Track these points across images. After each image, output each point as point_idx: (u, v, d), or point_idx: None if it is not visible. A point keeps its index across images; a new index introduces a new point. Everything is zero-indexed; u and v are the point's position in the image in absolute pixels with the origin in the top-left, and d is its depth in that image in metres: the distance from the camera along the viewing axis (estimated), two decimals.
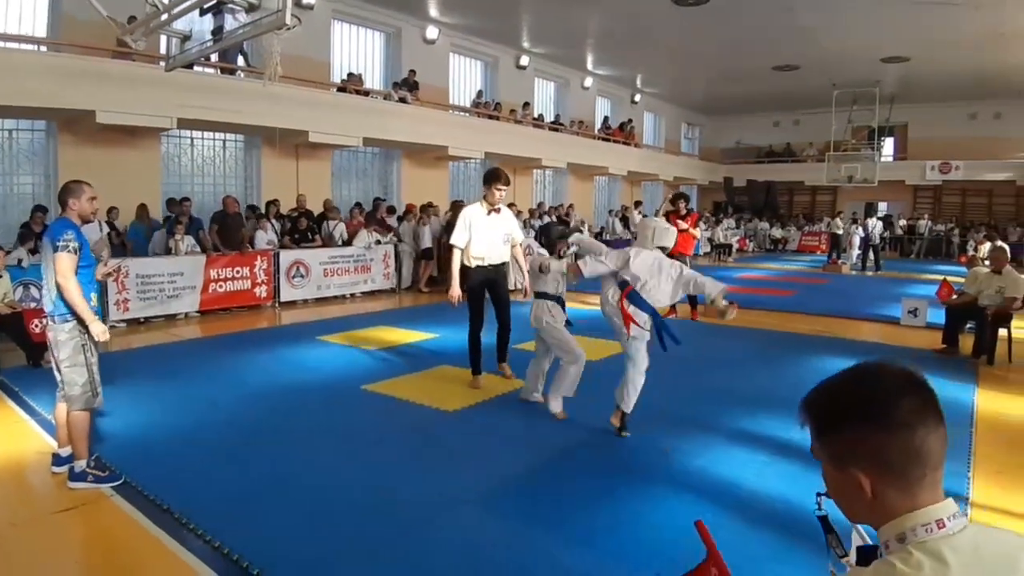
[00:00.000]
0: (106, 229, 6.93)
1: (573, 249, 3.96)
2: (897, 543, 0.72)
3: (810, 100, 17.07)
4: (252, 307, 7.68)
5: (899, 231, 18.16)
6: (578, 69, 15.71)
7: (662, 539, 2.41)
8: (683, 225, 7.03)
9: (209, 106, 7.88)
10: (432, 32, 11.85)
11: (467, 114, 12.71)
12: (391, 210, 10.53)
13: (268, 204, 8.84)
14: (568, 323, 3.82)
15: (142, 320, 6.73)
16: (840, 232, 14.38)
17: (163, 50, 7.49)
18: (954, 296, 6.09)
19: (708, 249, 15.88)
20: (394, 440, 3.47)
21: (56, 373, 2.88)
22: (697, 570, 1.08)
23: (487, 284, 4.30)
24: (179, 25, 4.47)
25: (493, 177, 4.21)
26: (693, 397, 4.25)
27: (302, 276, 8.20)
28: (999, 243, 7.75)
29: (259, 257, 7.74)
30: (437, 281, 9.77)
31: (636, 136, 17.47)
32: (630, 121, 17.31)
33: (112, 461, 2.96)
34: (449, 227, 9.41)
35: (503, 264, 4.38)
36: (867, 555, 0.86)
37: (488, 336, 4.43)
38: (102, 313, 5.50)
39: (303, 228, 8.69)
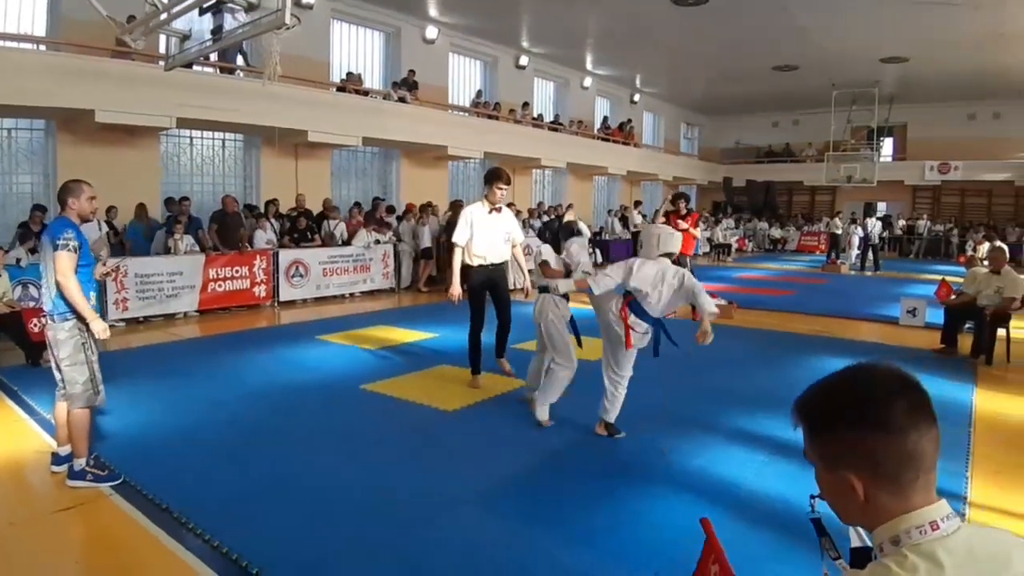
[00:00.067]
0: (105, 228, 6.92)
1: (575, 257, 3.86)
2: (891, 545, 0.72)
3: (809, 100, 17.09)
4: (251, 307, 7.68)
5: (898, 231, 18.18)
6: (577, 69, 15.71)
7: (661, 539, 2.41)
8: (683, 225, 7.04)
9: (208, 105, 7.87)
10: (431, 32, 11.85)
11: (466, 114, 12.71)
12: (390, 209, 10.53)
13: (267, 204, 8.84)
14: (572, 320, 3.79)
15: (141, 319, 6.72)
16: (839, 232, 14.40)
17: (162, 49, 7.48)
18: (953, 296, 6.10)
19: (707, 249, 15.89)
20: (394, 440, 3.47)
21: (56, 372, 2.88)
22: (699, 565, 1.09)
23: (488, 284, 4.31)
24: (178, 24, 4.47)
25: (494, 176, 4.22)
26: (692, 397, 4.26)
27: (301, 276, 8.20)
28: (998, 243, 7.75)
29: (258, 257, 7.74)
30: (436, 281, 9.77)
31: (635, 136, 17.47)
32: (629, 121, 17.31)
33: (111, 460, 2.96)
34: (449, 227, 9.43)
35: (503, 263, 4.38)
36: (861, 557, 0.86)
37: (488, 336, 4.43)
38: (101, 312, 5.49)
39: (302, 228, 8.69)
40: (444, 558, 2.27)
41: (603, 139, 16.04)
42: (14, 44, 7.07)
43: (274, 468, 3.03)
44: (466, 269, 4.29)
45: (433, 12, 11.43)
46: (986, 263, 5.95)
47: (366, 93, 10.52)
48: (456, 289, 4.28)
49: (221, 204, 8.11)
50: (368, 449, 3.33)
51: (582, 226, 4.14)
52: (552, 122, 14.60)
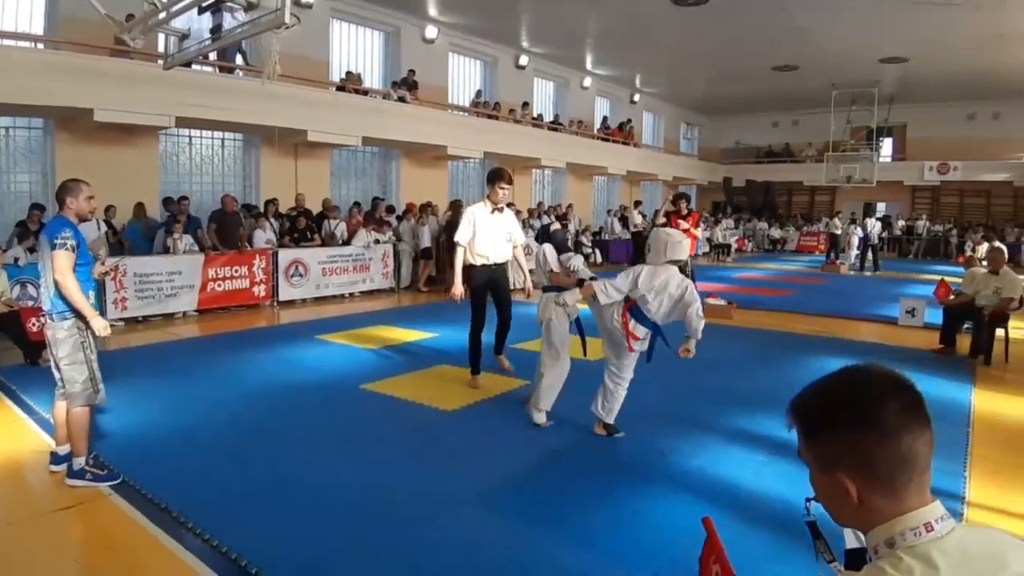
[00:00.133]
0: (104, 228, 6.92)
1: (576, 266, 3.84)
2: (886, 548, 0.72)
3: (809, 100, 17.10)
4: (251, 306, 7.67)
5: (897, 231, 18.20)
6: (577, 69, 15.71)
7: (661, 539, 2.41)
8: (684, 225, 7.06)
9: (207, 105, 7.86)
10: (431, 31, 11.84)
11: (466, 114, 12.71)
12: (390, 209, 10.53)
13: (267, 203, 8.83)
14: (578, 320, 3.75)
15: (140, 319, 6.72)
16: (839, 232, 14.42)
17: (161, 48, 7.46)
18: (951, 296, 6.11)
19: (707, 249, 15.90)
20: (394, 440, 3.47)
21: (55, 371, 2.88)
22: (701, 565, 1.09)
23: (490, 284, 4.32)
24: (177, 23, 4.46)
25: (496, 176, 4.24)
26: (692, 397, 4.26)
27: (301, 275, 8.19)
28: (997, 244, 7.77)
29: (257, 256, 7.73)
30: (436, 281, 9.77)
31: (635, 136, 17.48)
32: (629, 121, 17.31)
33: (110, 460, 2.96)
34: (449, 227, 9.44)
35: (505, 263, 4.39)
36: (857, 558, 0.86)
37: (487, 335, 4.43)
38: (100, 311, 5.48)
39: (302, 227, 8.68)
40: (444, 558, 2.27)
41: (603, 139, 16.04)
42: (12, 43, 7.05)
43: (274, 468, 3.02)
44: (467, 269, 4.29)
45: (433, 12, 11.42)
46: (985, 263, 5.96)
47: (366, 93, 10.51)
48: (458, 288, 4.28)
49: (220, 204, 8.10)
50: (368, 449, 3.33)
51: (557, 227, 4.11)
52: (552, 122, 14.60)
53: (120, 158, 7.85)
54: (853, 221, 15.04)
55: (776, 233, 19.49)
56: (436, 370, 4.89)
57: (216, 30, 4.30)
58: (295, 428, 3.60)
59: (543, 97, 15.60)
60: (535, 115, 14.28)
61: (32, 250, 5.98)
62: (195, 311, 7.15)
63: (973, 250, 10.92)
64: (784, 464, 3.07)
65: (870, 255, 13.62)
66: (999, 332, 5.35)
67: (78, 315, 2.79)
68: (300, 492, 2.77)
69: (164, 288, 6.87)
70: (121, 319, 6.50)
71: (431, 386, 4.44)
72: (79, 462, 2.80)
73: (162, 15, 4.22)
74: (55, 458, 2.96)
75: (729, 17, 10.71)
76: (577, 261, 3.75)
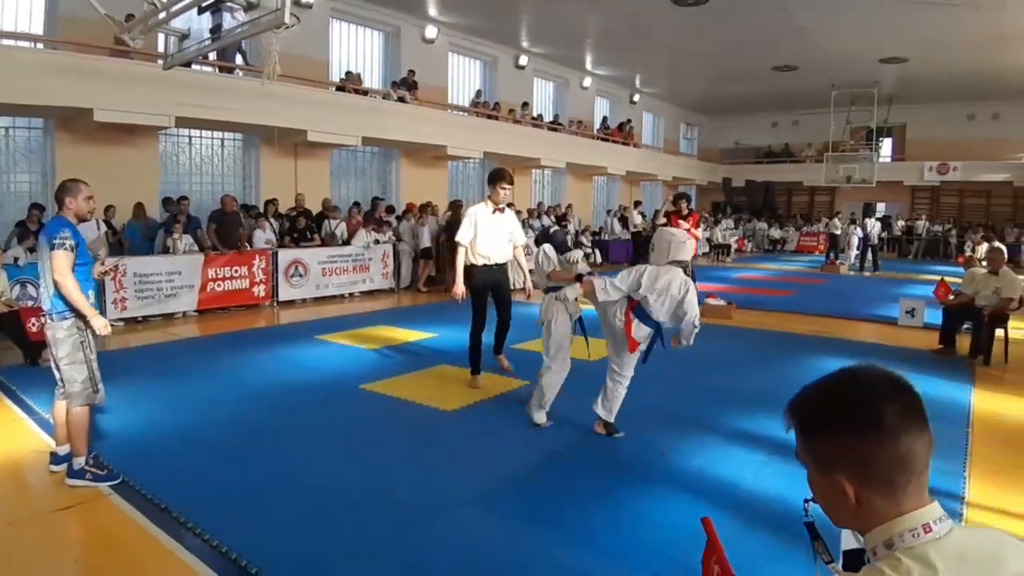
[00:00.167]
0: (103, 228, 6.92)
1: (579, 264, 3.85)
2: (885, 549, 0.72)
3: (809, 100, 17.10)
4: (250, 306, 7.67)
5: (897, 232, 18.21)
6: (577, 69, 15.71)
7: (661, 539, 2.42)
8: (685, 225, 7.06)
9: (207, 105, 7.86)
10: (431, 31, 11.84)
11: (466, 114, 12.71)
12: (390, 209, 10.53)
13: (267, 203, 8.83)
14: (580, 320, 3.74)
15: (140, 319, 6.72)
16: (838, 232, 14.42)
17: (161, 48, 7.46)
18: (951, 296, 6.11)
19: (707, 249, 15.90)
20: (394, 440, 3.47)
21: (55, 371, 2.88)
22: (704, 564, 1.09)
23: (490, 285, 4.33)
24: (177, 23, 4.46)
25: (497, 176, 4.25)
26: (692, 397, 4.26)
27: (300, 275, 8.19)
28: (996, 244, 7.77)
29: (257, 256, 7.73)
30: (436, 281, 9.77)
31: (635, 136, 17.48)
32: (629, 121, 17.32)
33: (110, 460, 2.96)
34: (448, 227, 9.44)
35: (506, 264, 4.41)
36: (855, 559, 0.86)
37: (487, 335, 4.43)
38: (100, 311, 5.48)
39: (302, 227, 8.68)
40: (444, 558, 2.27)
41: (603, 139, 16.04)
42: (12, 42, 7.05)
43: (274, 468, 3.02)
44: (468, 268, 4.30)
45: (433, 12, 11.42)
46: (984, 264, 5.96)
47: (365, 93, 10.51)
48: (459, 288, 4.29)
49: (220, 204, 8.10)
50: (368, 449, 3.33)
51: (557, 229, 4.14)
52: (552, 122, 14.60)
53: (120, 158, 7.85)
54: (853, 221, 15.05)
55: (776, 233, 19.50)
56: (436, 370, 4.89)
57: (216, 30, 4.30)
58: (295, 428, 3.60)
59: (543, 97, 15.60)
60: (535, 115, 14.28)
61: (32, 250, 5.98)
62: (195, 311, 7.15)
63: (973, 250, 10.92)
64: (784, 464, 3.07)
65: (870, 255, 13.63)
66: (999, 332, 5.36)
67: (78, 315, 2.79)
68: (300, 492, 2.77)
69: (164, 288, 6.87)
70: (121, 319, 6.50)
71: (431, 386, 4.44)
72: (79, 462, 2.80)
73: (162, 15, 4.22)
74: (55, 458, 2.96)
75: (729, 17, 10.72)
76: (577, 254, 3.76)
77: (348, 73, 10.64)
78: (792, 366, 5.07)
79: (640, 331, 3.29)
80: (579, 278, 3.50)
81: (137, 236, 7.47)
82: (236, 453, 3.21)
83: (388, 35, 11.72)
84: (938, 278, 7.25)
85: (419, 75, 11.38)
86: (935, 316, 6.27)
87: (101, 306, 6.05)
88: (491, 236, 4.23)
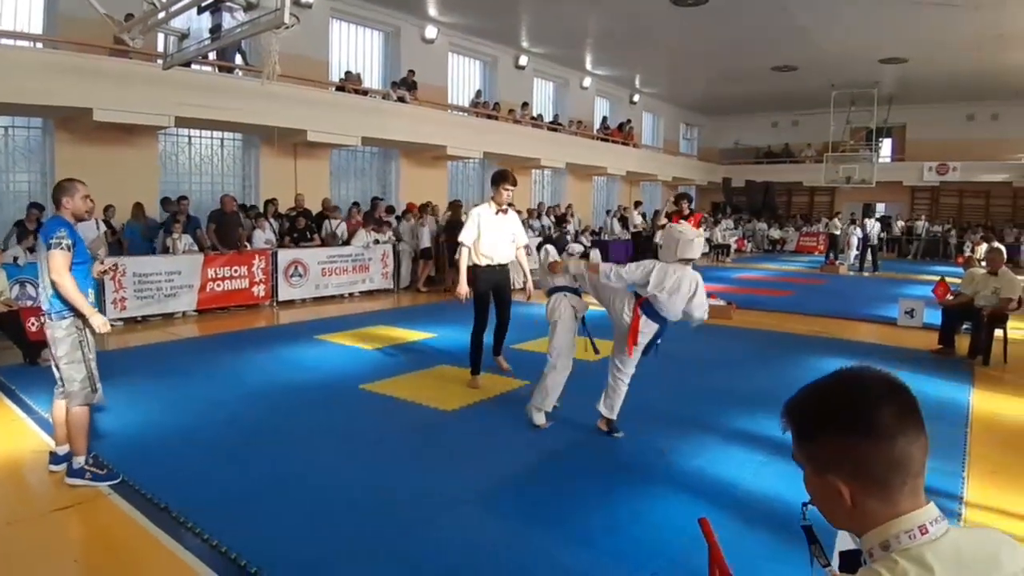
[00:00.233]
0: (103, 228, 6.92)
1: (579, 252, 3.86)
2: (881, 551, 0.72)
3: (809, 101, 17.11)
4: (250, 306, 7.67)
5: (897, 232, 18.22)
6: (577, 69, 15.71)
7: (660, 539, 2.42)
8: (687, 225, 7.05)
9: (207, 105, 7.86)
10: (431, 31, 11.84)
11: (466, 114, 12.71)
12: (390, 209, 10.52)
13: (266, 203, 8.83)
14: (584, 321, 3.73)
15: (139, 319, 6.71)
16: (838, 233, 14.43)
17: (160, 48, 7.46)
18: (950, 296, 6.12)
19: (707, 250, 15.90)
20: (394, 440, 3.47)
21: (55, 371, 2.88)
22: (710, 564, 1.09)
23: (493, 286, 4.37)
24: (177, 23, 4.46)
25: (500, 178, 4.28)
26: (691, 397, 4.26)
27: (300, 275, 8.19)
28: (995, 244, 7.78)
29: (257, 256, 7.73)
30: (435, 281, 9.77)
31: (635, 136, 17.48)
32: (629, 121, 17.32)
33: (110, 460, 2.96)
34: (448, 227, 9.44)
35: (508, 264, 4.44)
36: (851, 559, 0.86)
37: (487, 336, 4.44)
38: (100, 310, 5.49)
39: (301, 227, 8.68)
40: (444, 558, 2.27)
41: (602, 139, 16.04)
42: (11, 42, 7.04)
43: (274, 468, 3.02)
44: (471, 269, 4.33)
45: (432, 12, 11.42)
46: (984, 264, 5.97)
47: (365, 93, 10.51)
48: (464, 288, 4.31)
49: (219, 204, 8.09)
50: (368, 449, 3.33)
51: (559, 236, 4.17)
52: (551, 122, 14.60)
53: (119, 158, 7.85)
54: (852, 222, 15.06)
55: (775, 233, 19.51)
56: (436, 370, 4.89)
57: (215, 30, 4.30)
58: (295, 428, 3.60)
59: (543, 97, 15.60)
60: (535, 115, 14.29)
61: (31, 250, 5.98)
62: (194, 311, 7.15)
63: (972, 250, 10.93)
64: (783, 464, 3.07)
65: (869, 256, 13.64)
66: (998, 332, 5.36)
67: (77, 314, 2.79)
68: (300, 492, 2.77)
69: (163, 288, 6.87)
70: (120, 319, 6.50)
71: (431, 386, 4.44)
72: (79, 461, 2.80)
73: (161, 15, 4.22)
74: (54, 458, 2.96)
75: (729, 17, 10.72)
76: (577, 248, 3.79)
77: (348, 73, 10.64)
78: (791, 366, 5.07)
79: (648, 327, 3.29)
80: (585, 255, 3.51)
81: (136, 236, 7.47)
82: (236, 453, 3.21)
83: (388, 35, 11.72)
84: (937, 278, 7.26)
85: (419, 75, 11.38)
86: (934, 316, 6.27)
87: (101, 305, 6.05)
88: (494, 237, 4.27)
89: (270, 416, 3.79)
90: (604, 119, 17.07)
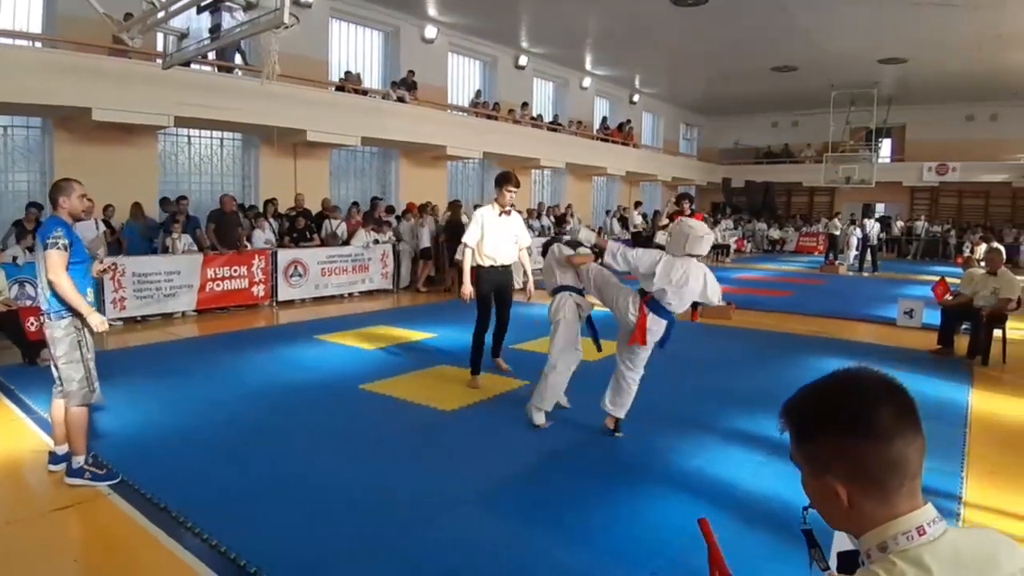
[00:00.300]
0: (103, 227, 6.91)
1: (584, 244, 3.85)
2: (879, 552, 0.72)
3: (808, 101, 17.12)
4: (249, 306, 7.67)
5: (896, 232, 18.23)
6: (577, 69, 15.71)
7: (660, 538, 2.42)
8: None
9: (206, 104, 7.85)
10: (431, 31, 11.84)
11: (465, 114, 12.71)
12: (390, 209, 10.52)
13: (266, 203, 8.82)
14: (590, 320, 3.73)
15: (139, 319, 6.71)
16: (838, 233, 14.44)
17: (160, 48, 7.44)
18: (949, 296, 6.13)
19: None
20: (393, 440, 3.47)
21: (54, 370, 2.89)
22: (710, 565, 1.10)
23: (496, 288, 4.40)
24: (176, 23, 4.45)
25: (504, 180, 4.31)
26: (691, 397, 4.27)
27: (300, 275, 8.19)
28: (995, 245, 7.79)
29: (257, 256, 7.72)
30: (435, 281, 9.77)
31: (634, 136, 17.49)
32: (628, 121, 17.32)
33: (109, 460, 2.96)
34: (448, 227, 9.45)
35: (511, 265, 4.48)
36: (849, 560, 0.86)
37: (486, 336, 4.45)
38: (99, 310, 5.48)
39: (301, 227, 8.68)
40: (444, 558, 2.27)
41: (602, 139, 16.05)
42: (10, 41, 7.03)
43: (273, 468, 3.02)
44: (475, 269, 4.36)
45: (432, 11, 11.42)
46: (983, 264, 5.98)
47: (365, 93, 10.50)
48: (468, 288, 4.33)
49: (219, 203, 8.09)
50: (368, 449, 3.33)
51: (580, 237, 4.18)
52: (551, 122, 14.60)
53: (119, 158, 7.84)
54: (852, 222, 15.07)
55: (775, 234, 19.52)
56: (436, 370, 4.89)
57: (215, 30, 4.29)
58: (295, 428, 3.60)
59: (542, 97, 15.60)
60: (534, 115, 14.29)
61: (31, 249, 5.97)
62: (194, 311, 7.15)
63: (971, 251, 10.95)
64: (782, 464, 3.07)
65: (869, 256, 13.65)
66: (997, 333, 5.37)
67: (75, 314, 2.79)
68: (300, 492, 2.77)
69: (163, 288, 6.87)
70: (120, 319, 6.49)
71: (431, 386, 4.44)
72: (78, 460, 2.80)
73: (161, 14, 4.22)
74: (54, 457, 2.96)
75: (729, 17, 10.72)
76: (590, 236, 3.83)
77: (348, 73, 10.64)
78: (791, 366, 5.07)
79: (657, 324, 3.27)
80: (598, 255, 3.50)
81: (135, 236, 7.47)
82: (236, 453, 3.21)
83: (388, 35, 11.72)
84: (936, 279, 7.27)
85: (419, 75, 11.37)
86: (933, 316, 6.28)
87: (100, 305, 6.04)
88: (497, 238, 4.30)
89: (270, 416, 3.79)
90: (604, 119, 17.07)
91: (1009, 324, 5.49)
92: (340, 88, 10.16)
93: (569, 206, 13.86)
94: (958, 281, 6.24)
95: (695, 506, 2.67)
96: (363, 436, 3.52)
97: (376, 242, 9.10)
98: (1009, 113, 17.04)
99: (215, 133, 9.25)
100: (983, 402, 4.26)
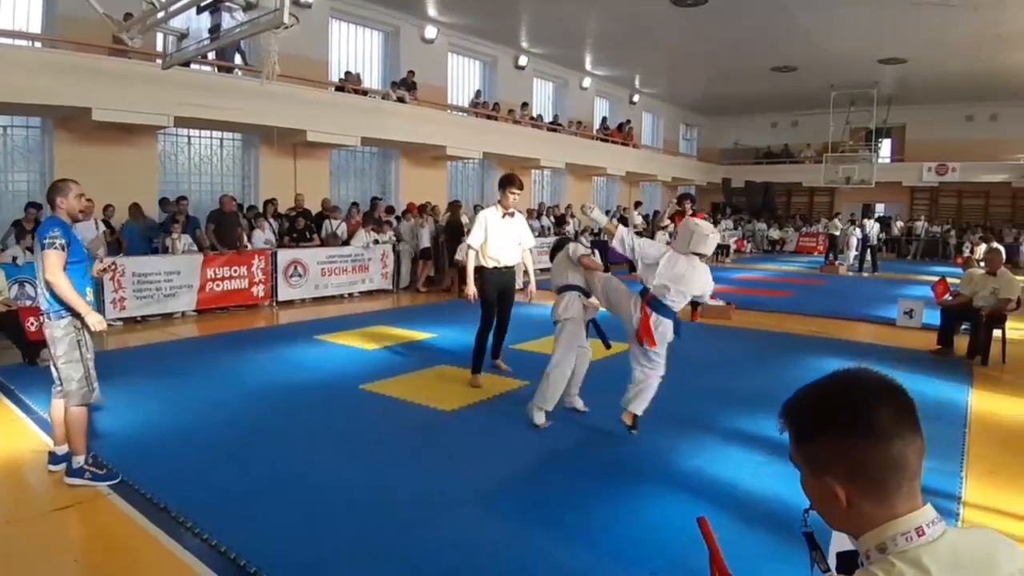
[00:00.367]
0: (102, 227, 6.91)
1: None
2: (878, 553, 0.72)
3: (808, 101, 17.13)
4: (249, 306, 7.67)
5: (896, 232, 18.24)
6: (576, 69, 15.71)
7: (659, 538, 2.42)
8: None
9: (206, 104, 7.85)
10: (431, 31, 11.84)
11: (465, 114, 12.71)
12: (390, 209, 10.53)
13: (266, 203, 8.82)
14: (595, 321, 3.73)
15: (139, 319, 6.71)
16: (837, 233, 14.45)
17: (159, 48, 7.46)
18: (949, 295, 6.13)
19: None
20: (393, 440, 3.47)
21: (54, 370, 2.89)
22: (711, 565, 1.09)
23: (500, 290, 4.41)
24: (176, 23, 4.45)
25: (507, 182, 4.32)
26: (691, 397, 4.26)
27: (300, 275, 8.19)
28: (994, 245, 7.80)
29: (256, 256, 7.72)
30: (435, 281, 9.77)
31: (634, 136, 17.49)
32: (628, 122, 17.33)
33: (109, 460, 2.96)
34: (448, 227, 9.45)
35: (514, 267, 4.50)
36: (848, 560, 0.86)
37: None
38: (99, 310, 5.48)
39: (301, 227, 8.68)
40: (444, 558, 2.27)
41: (602, 140, 16.05)
42: (9, 41, 7.03)
43: (273, 468, 3.02)
44: (478, 270, 4.39)
45: (432, 12, 11.42)
46: (982, 264, 5.98)
47: (365, 93, 10.51)
48: (471, 289, 4.35)
49: (219, 204, 8.09)
50: (368, 449, 3.33)
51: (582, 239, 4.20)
52: (551, 122, 14.61)
53: (119, 158, 7.84)
54: (852, 222, 15.07)
55: (775, 234, 19.52)
56: (436, 370, 4.89)
57: (215, 30, 4.29)
58: (295, 428, 3.60)
59: (542, 97, 15.60)
60: (534, 115, 14.29)
61: (30, 249, 5.97)
62: (194, 311, 7.15)
63: (971, 251, 10.95)
64: (782, 464, 3.07)
65: (869, 256, 13.65)
66: (996, 333, 5.37)
67: (74, 314, 2.79)
68: (300, 492, 2.78)
69: (163, 288, 6.87)
70: (120, 319, 6.49)
71: (431, 386, 4.44)
72: (78, 460, 2.80)
73: (160, 14, 4.21)
74: (53, 457, 2.96)
75: (729, 17, 10.73)
76: (599, 216, 3.77)
77: (347, 73, 10.64)
78: (791, 366, 5.08)
79: (662, 323, 3.27)
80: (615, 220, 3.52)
81: (135, 236, 7.46)
82: (236, 453, 3.21)
83: (387, 35, 11.72)
84: (936, 279, 7.27)
85: (418, 75, 11.38)
86: (933, 317, 6.28)
87: (100, 305, 6.04)
88: (501, 240, 4.32)
89: (270, 416, 3.79)
90: (604, 119, 17.07)
91: (1009, 324, 5.49)
92: (340, 88, 10.16)
93: (569, 206, 13.86)
94: (958, 281, 6.25)
95: (695, 506, 2.67)
96: (363, 436, 3.52)
97: (376, 242, 9.10)
98: (1009, 113, 17.04)
99: (215, 133, 9.25)
100: (983, 402, 4.26)
